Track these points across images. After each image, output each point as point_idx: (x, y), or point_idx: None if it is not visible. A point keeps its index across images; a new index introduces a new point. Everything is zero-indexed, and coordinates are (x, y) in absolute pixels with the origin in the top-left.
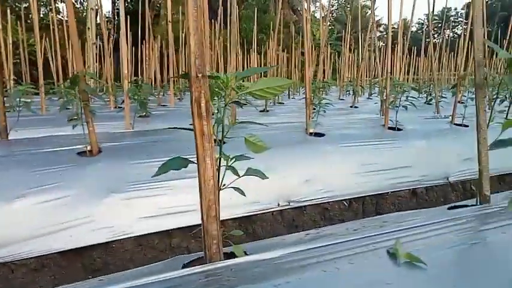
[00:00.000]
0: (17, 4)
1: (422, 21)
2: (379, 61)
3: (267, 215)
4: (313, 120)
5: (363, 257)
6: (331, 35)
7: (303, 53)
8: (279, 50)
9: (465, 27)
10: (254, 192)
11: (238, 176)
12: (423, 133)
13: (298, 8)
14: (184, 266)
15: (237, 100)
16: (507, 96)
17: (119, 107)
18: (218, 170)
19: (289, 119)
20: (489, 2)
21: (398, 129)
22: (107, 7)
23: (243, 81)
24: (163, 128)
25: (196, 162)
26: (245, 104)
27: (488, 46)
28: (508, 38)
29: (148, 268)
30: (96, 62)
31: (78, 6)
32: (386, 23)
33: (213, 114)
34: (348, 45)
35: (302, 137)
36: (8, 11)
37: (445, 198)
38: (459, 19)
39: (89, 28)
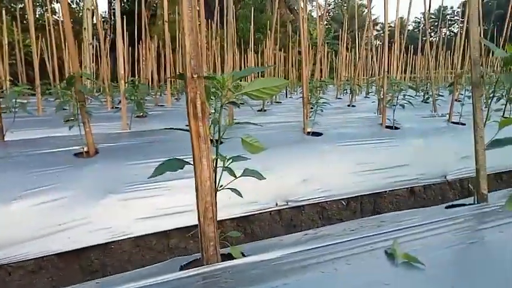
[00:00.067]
0: (12, 5)
1: (418, 20)
2: (376, 60)
3: (265, 215)
4: (310, 120)
5: (361, 257)
6: (328, 34)
7: (300, 52)
8: (276, 50)
9: (461, 25)
10: (252, 192)
11: (235, 177)
12: (420, 132)
13: (295, 7)
14: (182, 268)
15: (233, 101)
16: (504, 94)
17: (116, 107)
18: (215, 171)
19: (287, 119)
20: (485, 0)
21: (396, 128)
22: (103, 7)
23: (241, 80)
24: (160, 129)
25: (192, 163)
26: (242, 104)
27: (484, 44)
28: (504, 36)
29: (145, 270)
30: (93, 62)
31: (74, 6)
32: (383, 22)
33: (210, 115)
34: (345, 44)
35: (299, 136)
36: (3, 11)
37: (443, 197)
38: (455, 17)
39: (85, 28)
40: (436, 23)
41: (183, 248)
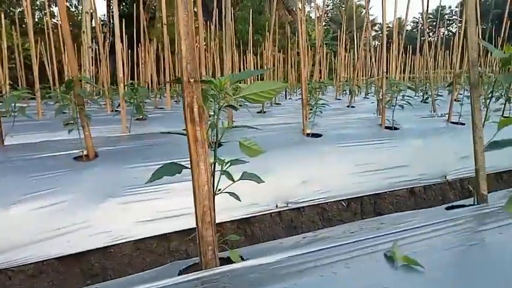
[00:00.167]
0: (11, 9)
1: (417, 20)
2: (375, 60)
3: (265, 217)
4: (309, 121)
5: (360, 260)
6: (327, 35)
7: (298, 53)
8: (275, 51)
9: (460, 25)
10: (252, 194)
11: (233, 180)
12: (420, 132)
13: (294, 9)
14: (181, 273)
15: (231, 104)
16: (502, 94)
17: (116, 111)
18: (213, 174)
19: (286, 120)
20: (483, 0)
21: (395, 129)
22: (102, 10)
23: (240, 82)
24: (159, 132)
25: (190, 167)
26: (241, 106)
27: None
28: (502, 35)
29: (144, 274)
30: (92, 65)
31: (73, 10)
32: (381, 22)
33: (210, 117)
34: (343, 45)
35: (299, 137)
36: (2, 15)
37: (443, 197)
38: (454, 17)
39: (84, 32)
40: (434, 23)
41: (183, 251)
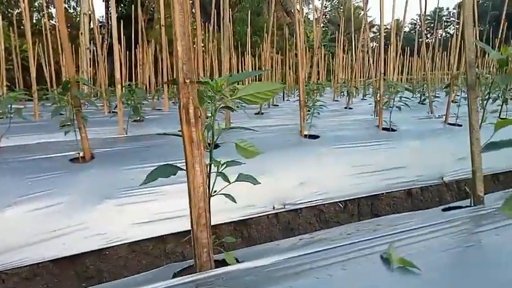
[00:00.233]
0: (9, 10)
1: (415, 22)
2: (373, 62)
3: (262, 219)
4: (307, 123)
5: (356, 262)
6: (325, 36)
7: (296, 55)
8: (273, 52)
9: (457, 26)
10: (249, 195)
11: (229, 182)
12: (417, 133)
13: (292, 10)
14: (175, 275)
15: (227, 105)
16: (499, 95)
17: (113, 112)
18: (208, 176)
19: (284, 122)
20: (480, 1)
21: (393, 130)
22: (101, 12)
23: (238, 84)
24: (156, 133)
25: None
26: (238, 108)
27: (480, 46)
28: (499, 37)
29: (139, 277)
30: (90, 67)
31: (71, 11)
32: (379, 24)
33: (207, 118)
34: (341, 47)
35: (296, 139)
36: (0, 16)
37: (440, 198)
38: (451, 19)
39: (81, 33)
40: (432, 25)
41: (179, 253)
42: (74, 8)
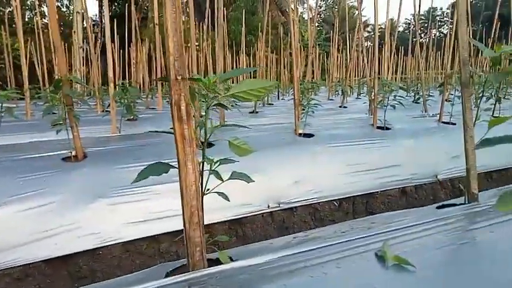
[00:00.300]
0: (0, 8)
1: (409, 21)
2: (367, 61)
3: (257, 217)
4: (302, 121)
5: (351, 260)
6: (320, 35)
7: (291, 54)
8: (268, 52)
9: (451, 26)
10: (243, 194)
11: (222, 180)
12: (411, 132)
13: (287, 10)
14: (168, 274)
15: (220, 103)
16: (493, 94)
17: (107, 111)
18: (201, 174)
19: (278, 120)
20: (473, 1)
21: (387, 129)
22: (94, 10)
23: (233, 82)
24: (148, 131)
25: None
26: (233, 106)
27: (473, 45)
28: (492, 37)
29: (131, 277)
30: (83, 65)
31: (64, 10)
32: (374, 24)
33: (201, 117)
34: (336, 46)
35: (291, 137)
36: None
37: (435, 196)
38: (445, 19)
39: (74, 32)
40: (426, 24)
41: (174, 252)
42: (67, 7)
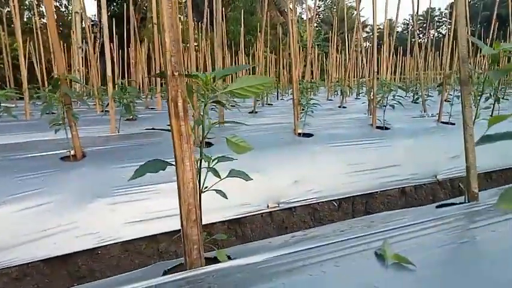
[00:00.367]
0: None
1: (407, 22)
2: (366, 61)
3: (256, 217)
4: (301, 121)
5: (350, 259)
6: (318, 36)
7: (290, 54)
8: (267, 52)
9: (449, 26)
10: (243, 194)
11: (220, 177)
12: (411, 132)
13: (285, 10)
14: (165, 273)
15: (218, 100)
16: (491, 94)
17: (106, 111)
18: (199, 172)
19: (278, 120)
20: (471, 2)
21: (386, 128)
22: (93, 10)
23: (231, 81)
24: (145, 129)
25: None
26: (233, 106)
27: (472, 44)
28: (490, 37)
29: (128, 275)
30: (83, 66)
31: (63, 10)
32: (372, 24)
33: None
34: (335, 46)
35: (290, 137)
36: None
37: (434, 197)
38: (443, 19)
39: (73, 32)
40: (424, 25)
41: (173, 252)
42: (66, 7)
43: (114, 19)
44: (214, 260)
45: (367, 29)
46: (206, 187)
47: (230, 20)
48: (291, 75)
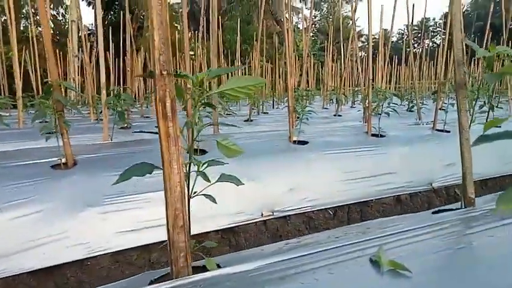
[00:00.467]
0: None
1: (402, 31)
2: (361, 70)
3: (250, 226)
4: (296, 128)
5: (345, 266)
6: (314, 45)
7: (286, 63)
8: (263, 61)
9: (444, 36)
10: (237, 202)
11: (209, 182)
12: (406, 139)
13: (282, 19)
14: (151, 283)
15: (209, 102)
16: (485, 102)
17: (100, 119)
18: (188, 175)
19: (273, 128)
20: (465, 12)
21: (381, 136)
22: (90, 19)
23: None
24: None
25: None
26: (229, 114)
27: (466, 52)
28: (484, 46)
29: (114, 286)
30: (79, 74)
31: (60, 18)
32: (368, 34)
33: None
34: (330, 55)
35: (285, 144)
36: None
37: (429, 204)
38: (438, 29)
39: (69, 40)
40: (419, 35)
41: (165, 262)
42: (63, 15)
43: (110, 28)
44: (203, 269)
45: (363, 39)
46: (195, 192)
47: (227, 29)
48: (287, 84)
